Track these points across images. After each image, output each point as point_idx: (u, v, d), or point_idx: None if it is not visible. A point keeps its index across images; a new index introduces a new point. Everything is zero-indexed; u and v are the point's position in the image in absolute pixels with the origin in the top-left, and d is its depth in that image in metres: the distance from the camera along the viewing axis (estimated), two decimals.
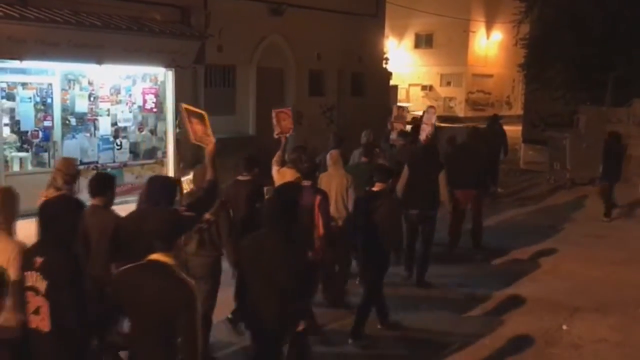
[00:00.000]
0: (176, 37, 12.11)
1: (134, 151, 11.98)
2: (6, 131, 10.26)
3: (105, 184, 4.91)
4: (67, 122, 10.95)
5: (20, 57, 9.78)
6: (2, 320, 3.19)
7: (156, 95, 12.26)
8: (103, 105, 11.43)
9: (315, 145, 10.36)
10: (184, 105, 5.66)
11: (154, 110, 12.27)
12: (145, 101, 12.10)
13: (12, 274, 3.50)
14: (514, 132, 18.81)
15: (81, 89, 11.12)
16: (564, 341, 6.38)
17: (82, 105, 11.14)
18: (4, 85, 10.18)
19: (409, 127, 12.11)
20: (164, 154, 12.41)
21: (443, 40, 36.52)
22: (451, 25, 34.33)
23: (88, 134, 11.26)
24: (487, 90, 38.71)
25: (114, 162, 11.54)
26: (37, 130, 10.61)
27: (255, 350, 4.55)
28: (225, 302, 5.57)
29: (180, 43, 12.20)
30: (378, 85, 19.80)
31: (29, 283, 3.47)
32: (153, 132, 12.32)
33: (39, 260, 3.45)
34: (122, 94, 11.72)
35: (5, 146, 10.21)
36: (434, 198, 7.91)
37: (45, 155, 10.75)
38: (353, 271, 7.38)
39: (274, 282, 4.23)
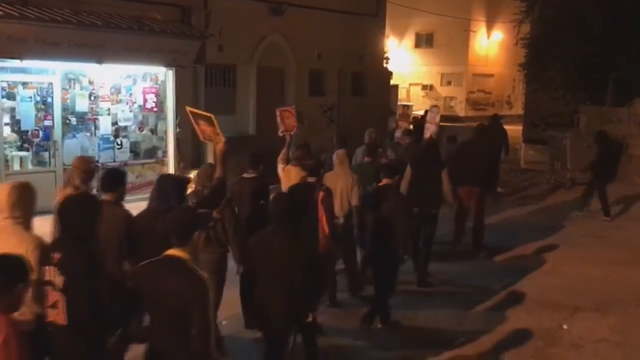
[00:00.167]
0: (177, 37, 12.13)
1: (134, 150, 11.99)
2: (6, 130, 10.28)
3: (116, 180, 4.90)
4: (68, 121, 10.96)
5: (20, 57, 9.81)
6: (19, 313, 3.22)
7: (156, 95, 12.26)
8: (103, 105, 11.44)
9: (315, 145, 10.34)
10: (189, 109, 5.70)
11: (155, 109, 12.27)
12: (145, 100, 12.10)
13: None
14: (515, 132, 18.79)
15: (81, 88, 11.14)
16: (564, 341, 6.38)
17: (82, 105, 11.15)
18: (5, 84, 10.19)
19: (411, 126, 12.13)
20: (165, 153, 12.42)
21: (443, 39, 36.50)
22: (452, 25, 34.29)
23: (88, 134, 11.27)
24: (488, 89, 38.69)
25: (115, 161, 11.52)
26: (38, 130, 10.63)
27: (266, 347, 4.60)
28: (231, 299, 5.61)
29: (181, 42, 12.21)
30: (378, 85, 19.80)
31: (47, 278, 3.56)
32: (153, 131, 12.32)
33: (56, 256, 3.54)
34: (122, 93, 11.73)
35: (5, 145, 10.22)
36: (437, 197, 7.92)
37: (46, 154, 10.76)
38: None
39: (283, 278, 4.28)
